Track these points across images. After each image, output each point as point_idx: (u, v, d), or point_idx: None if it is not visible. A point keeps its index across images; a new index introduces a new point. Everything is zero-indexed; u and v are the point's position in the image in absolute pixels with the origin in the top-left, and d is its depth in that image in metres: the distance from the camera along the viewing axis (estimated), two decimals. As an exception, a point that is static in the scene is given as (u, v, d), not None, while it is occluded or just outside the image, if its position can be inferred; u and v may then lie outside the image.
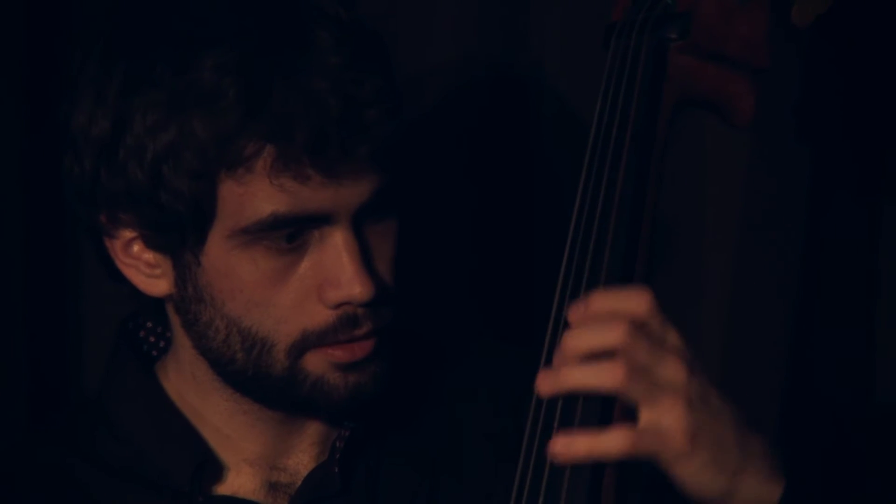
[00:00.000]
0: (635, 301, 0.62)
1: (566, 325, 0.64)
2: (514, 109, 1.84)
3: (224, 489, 0.79)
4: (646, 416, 0.61)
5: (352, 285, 0.71)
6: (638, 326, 0.61)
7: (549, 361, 0.64)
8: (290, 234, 0.71)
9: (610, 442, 0.60)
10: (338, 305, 0.72)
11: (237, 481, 0.79)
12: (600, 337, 0.61)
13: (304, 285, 0.72)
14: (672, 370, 0.61)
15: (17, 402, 1.13)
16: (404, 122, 0.76)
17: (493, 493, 0.72)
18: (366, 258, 0.73)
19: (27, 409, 1.14)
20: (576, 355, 0.62)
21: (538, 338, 0.67)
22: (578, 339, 0.62)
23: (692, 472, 0.62)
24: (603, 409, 0.62)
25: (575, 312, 0.63)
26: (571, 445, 0.60)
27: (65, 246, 1.21)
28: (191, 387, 0.80)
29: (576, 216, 0.69)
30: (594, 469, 0.61)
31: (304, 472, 0.80)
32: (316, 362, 0.74)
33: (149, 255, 0.75)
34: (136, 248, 0.75)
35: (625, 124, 0.71)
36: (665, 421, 0.60)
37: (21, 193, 1.13)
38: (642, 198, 0.69)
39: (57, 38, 1.13)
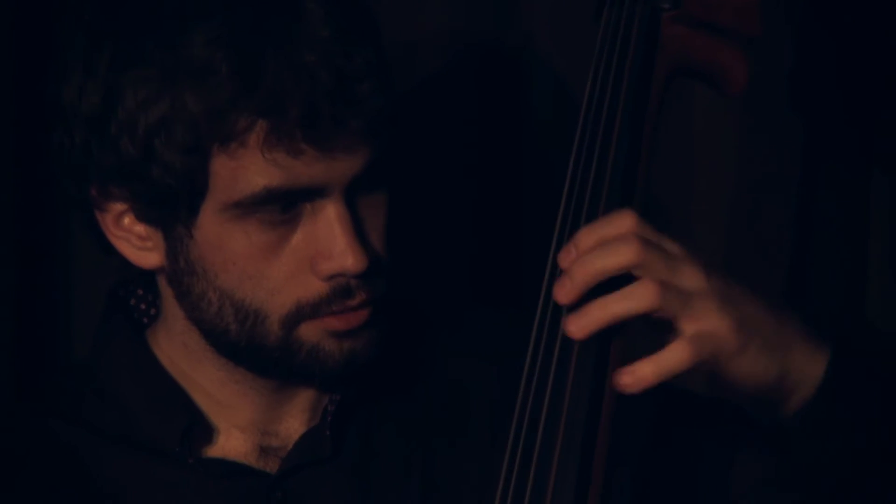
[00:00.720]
0: (621, 222, 0.62)
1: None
2: (504, 81, 1.84)
3: (214, 452, 0.80)
4: (689, 326, 0.61)
5: (344, 257, 0.71)
6: (646, 238, 0.61)
7: (544, 317, 0.64)
8: (283, 206, 0.72)
9: (673, 358, 0.61)
10: (330, 277, 0.73)
11: (228, 445, 0.80)
12: (614, 258, 0.60)
13: (296, 257, 0.73)
14: (692, 275, 0.62)
15: (6, 370, 1.14)
16: (395, 95, 0.76)
17: (489, 459, 0.73)
18: (358, 230, 0.73)
19: (16, 377, 1.14)
20: (589, 283, 0.61)
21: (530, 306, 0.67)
22: (591, 264, 0.61)
23: (749, 364, 0.62)
24: (598, 359, 0.62)
25: (565, 256, 0.62)
26: (637, 374, 0.60)
27: (55, 215, 1.21)
28: (182, 355, 0.80)
29: (568, 186, 0.69)
30: (587, 425, 0.61)
31: (296, 436, 0.81)
32: (311, 331, 0.74)
33: (140, 228, 0.76)
34: (126, 220, 0.76)
35: (617, 95, 0.70)
36: (709, 325, 0.61)
37: (11, 169, 1.13)
38: (634, 170, 0.69)
39: (46, 12, 1.13)
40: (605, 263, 0.60)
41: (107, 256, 0.79)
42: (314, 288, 0.73)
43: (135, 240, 0.76)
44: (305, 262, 0.73)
